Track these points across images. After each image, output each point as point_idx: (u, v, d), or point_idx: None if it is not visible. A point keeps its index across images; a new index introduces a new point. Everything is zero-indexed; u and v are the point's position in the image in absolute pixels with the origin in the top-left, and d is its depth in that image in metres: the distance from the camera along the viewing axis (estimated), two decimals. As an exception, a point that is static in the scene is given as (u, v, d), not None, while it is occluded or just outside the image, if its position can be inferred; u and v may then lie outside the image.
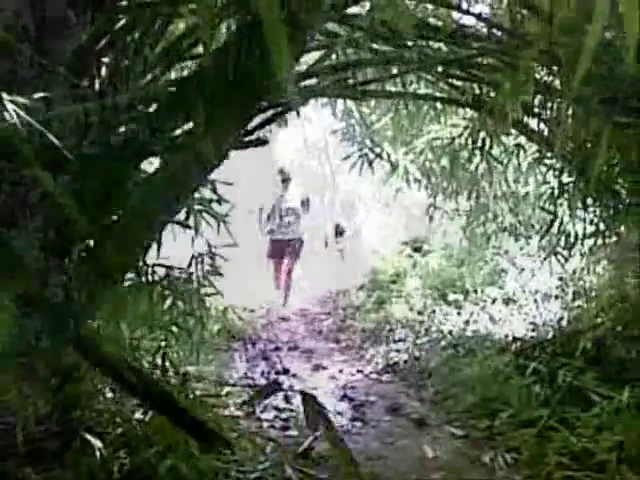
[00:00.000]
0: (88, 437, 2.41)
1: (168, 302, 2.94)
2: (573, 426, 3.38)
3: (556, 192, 3.95)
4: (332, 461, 3.13)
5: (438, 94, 3.57)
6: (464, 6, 3.29)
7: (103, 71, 2.24)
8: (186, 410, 1.54)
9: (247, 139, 2.37)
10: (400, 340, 5.95)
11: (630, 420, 3.16)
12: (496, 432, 3.66)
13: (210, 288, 3.30)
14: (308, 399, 0.92)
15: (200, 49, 2.66)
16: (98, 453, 2.40)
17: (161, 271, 2.92)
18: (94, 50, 2.11)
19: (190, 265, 3.02)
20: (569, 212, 4.02)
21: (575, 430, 3.33)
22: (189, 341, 3.43)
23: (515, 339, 4.85)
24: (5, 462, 1.97)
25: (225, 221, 3.05)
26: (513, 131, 3.88)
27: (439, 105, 3.94)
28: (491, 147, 4.03)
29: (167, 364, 2.87)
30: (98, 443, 2.42)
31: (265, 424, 3.82)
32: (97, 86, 2.11)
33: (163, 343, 2.88)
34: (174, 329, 2.90)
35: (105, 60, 2.23)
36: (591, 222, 4.06)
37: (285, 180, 8.46)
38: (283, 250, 8.45)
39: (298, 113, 1.90)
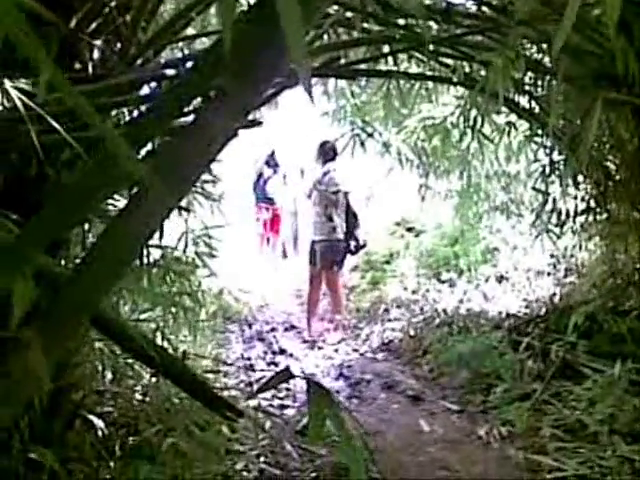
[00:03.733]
0: (90, 417, 2.46)
1: (166, 283, 2.96)
2: (566, 399, 3.45)
3: (547, 170, 3.98)
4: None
5: (429, 73, 3.57)
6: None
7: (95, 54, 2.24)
8: (202, 382, 1.57)
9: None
10: (395, 319, 6.01)
11: (621, 393, 3.23)
12: (491, 406, 3.72)
13: (205, 269, 3.33)
14: (313, 386, 0.94)
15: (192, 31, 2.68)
16: (100, 433, 2.44)
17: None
18: (85, 33, 2.12)
19: (186, 246, 3.04)
20: (560, 189, 4.05)
21: (568, 403, 3.41)
22: (186, 322, 3.47)
23: (508, 316, 4.92)
24: (9, 441, 2.00)
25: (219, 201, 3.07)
26: (504, 109, 3.89)
27: (430, 84, 3.94)
28: (482, 126, 4.05)
29: (165, 344, 2.91)
30: (100, 423, 2.46)
31: (264, 402, 3.87)
32: (90, 70, 2.12)
33: (161, 323, 2.90)
34: (172, 310, 2.92)
35: (97, 43, 2.23)
36: (582, 199, 4.10)
37: (327, 151, 5.99)
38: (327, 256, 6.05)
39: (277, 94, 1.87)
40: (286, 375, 1.20)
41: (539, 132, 3.90)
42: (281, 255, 10.04)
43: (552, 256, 5.57)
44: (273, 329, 6.41)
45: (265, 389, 2.77)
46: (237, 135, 0.82)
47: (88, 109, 0.66)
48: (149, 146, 1.52)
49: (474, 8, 2.95)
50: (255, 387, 4.06)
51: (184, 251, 3.06)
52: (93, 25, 2.10)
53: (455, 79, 3.19)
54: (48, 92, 1.08)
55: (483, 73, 3.08)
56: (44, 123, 1.30)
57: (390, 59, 3.34)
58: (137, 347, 1.30)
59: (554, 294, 5.00)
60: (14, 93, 1.25)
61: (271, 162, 9.90)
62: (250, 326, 6.44)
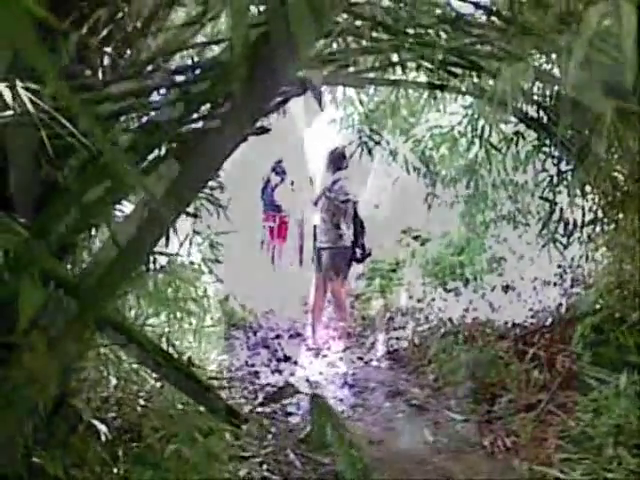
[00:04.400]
0: (94, 422, 2.45)
1: (170, 289, 2.97)
2: (571, 410, 3.43)
3: (555, 180, 3.96)
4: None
5: (437, 82, 3.57)
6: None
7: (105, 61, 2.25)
8: (207, 388, 1.57)
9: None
10: (400, 328, 5.99)
11: (627, 404, 3.20)
12: (495, 416, 3.70)
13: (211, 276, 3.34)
14: (316, 398, 0.94)
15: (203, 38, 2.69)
16: (104, 438, 2.44)
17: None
18: (96, 39, 2.13)
19: (190, 252, 3.04)
20: (568, 199, 4.03)
21: (573, 414, 3.38)
22: (191, 328, 3.47)
23: (514, 325, 4.90)
24: (13, 446, 1.99)
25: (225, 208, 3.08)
26: (512, 119, 3.88)
27: (438, 93, 3.93)
28: (490, 135, 4.04)
29: (171, 350, 2.91)
30: (104, 428, 2.45)
31: (268, 409, 3.86)
32: (100, 76, 2.13)
33: (167, 329, 2.91)
34: (177, 315, 2.93)
35: (107, 49, 2.24)
36: (590, 209, 4.08)
37: (337, 159, 5.94)
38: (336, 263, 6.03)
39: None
40: (290, 391, 1.21)
41: (547, 142, 3.89)
42: (287, 262, 10.04)
43: (559, 266, 5.53)
44: (278, 336, 6.39)
45: (269, 403, 2.77)
46: (246, 141, 0.82)
47: (89, 119, 0.66)
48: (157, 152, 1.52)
49: (483, 18, 2.94)
50: (259, 395, 4.05)
51: (188, 256, 3.07)
52: (104, 31, 2.11)
53: (463, 88, 3.18)
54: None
55: (491, 82, 3.08)
56: (52, 127, 1.30)
57: (398, 68, 3.33)
58: (143, 352, 1.30)
59: (560, 304, 4.97)
60: (24, 94, 1.25)
61: (278, 169, 9.90)
62: (255, 333, 6.43)
